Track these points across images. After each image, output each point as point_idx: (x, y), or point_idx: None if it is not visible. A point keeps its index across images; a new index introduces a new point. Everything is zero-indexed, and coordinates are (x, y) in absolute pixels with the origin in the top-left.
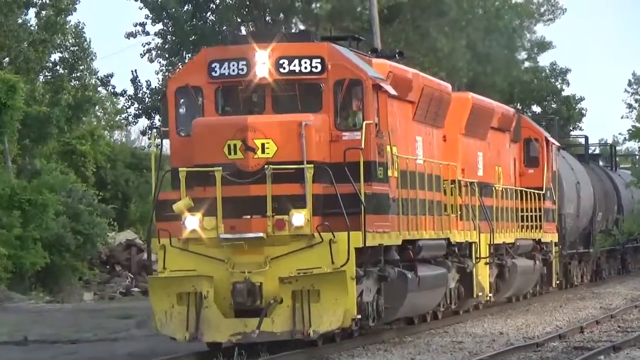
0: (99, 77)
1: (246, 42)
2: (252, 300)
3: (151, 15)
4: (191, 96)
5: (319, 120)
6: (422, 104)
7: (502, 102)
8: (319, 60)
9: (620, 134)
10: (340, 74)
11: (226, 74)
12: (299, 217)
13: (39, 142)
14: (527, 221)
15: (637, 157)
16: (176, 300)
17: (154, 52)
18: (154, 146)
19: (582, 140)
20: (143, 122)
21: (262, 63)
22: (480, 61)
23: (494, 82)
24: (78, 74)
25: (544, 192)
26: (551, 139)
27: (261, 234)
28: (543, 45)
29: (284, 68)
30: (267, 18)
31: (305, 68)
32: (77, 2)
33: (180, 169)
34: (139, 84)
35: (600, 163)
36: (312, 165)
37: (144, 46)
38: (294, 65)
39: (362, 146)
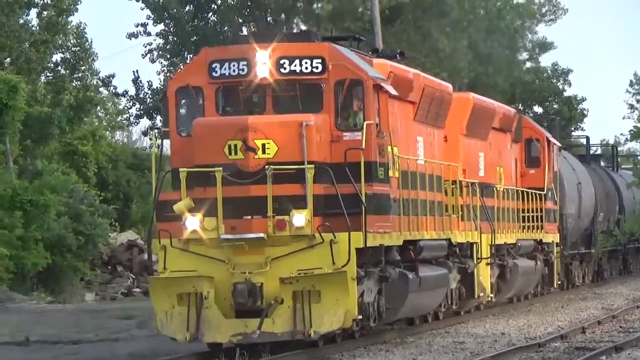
0: (101, 78)
1: (247, 42)
2: (252, 301)
3: (153, 16)
4: (192, 96)
5: (320, 120)
6: (423, 104)
7: (504, 103)
8: (319, 61)
9: (621, 134)
10: (341, 74)
11: (227, 74)
12: (299, 218)
13: (40, 142)
14: (529, 221)
15: (639, 157)
16: (177, 300)
17: (155, 53)
18: (155, 147)
19: (584, 141)
20: (144, 122)
21: (263, 63)
22: (481, 62)
23: (495, 83)
24: (79, 75)
25: (545, 192)
26: (552, 140)
27: (262, 235)
28: (544, 46)
29: (285, 68)
30: (269, 18)
31: (306, 68)
32: (79, 3)
33: (180, 169)
34: (140, 84)
35: (602, 163)
36: (312, 166)
37: (145, 47)
38: (295, 66)
39: (363, 146)
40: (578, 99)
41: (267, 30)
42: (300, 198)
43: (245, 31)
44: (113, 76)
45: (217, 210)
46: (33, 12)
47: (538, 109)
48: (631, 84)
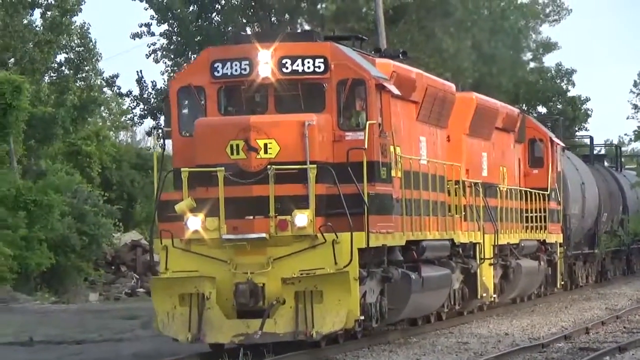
0: (105, 78)
1: (249, 42)
2: (254, 301)
3: (156, 16)
4: (194, 96)
5: (322, 120)
6: (426, 104)
7: (508, 103)
8: (322, 60)
9: (625, 134)
10: (344, 74)
11: (229, 73)
12: (301, 218)
13: (44, 142)
14: (532, 222)
15: None
16: (178, 301)
17: (159, 53)
18: (158, 147)
19: (587, 141)
20: (148, 122)
21: (265, 63)
22: (485, 62)
23: (499, 83)
24: (83, 75)
25: (548, 192)
26: (556, 140)
27: (264, 235)
28: (548, 46)
29: (287, 68)
30: (273, 19)
31: (308, 68)
32: (83, 3)
33: (182, 169)
34: (144, 84)
35: (606, 164)
36: (315, 166)
37: (149, 47)
38: (297, 65)
39: (365, 146)
40: (582, 99)
41: (271, 30)
42: (302, 198)
43: (249, 31)
44: (117, 76)
45: (219, 210)
46: (37, 12)
47: (542, 109)
48: (635, 84)
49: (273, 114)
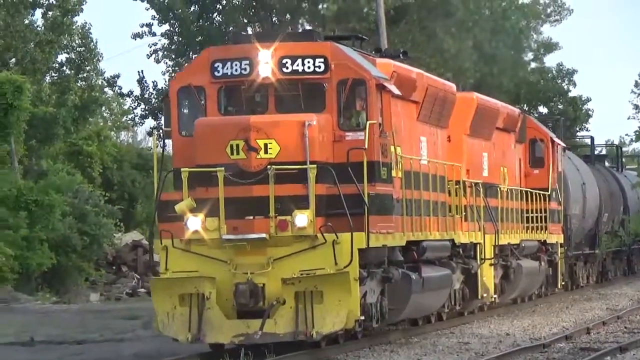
0: (106, 78)
1: (249, 42)
2: (254, 302)
3: (158, 16)
4: (194, 96)
5: (322, 120)
6: (427, 104)
7: (509, 103)
8: (322, 60)
9: (626, 134)
10: (344, 74)
11: (229, 73)
12: (301, 218)
13: (45, 142)
14: (533, 222)
15: None
16: (178, 301)
17: (160, 53)
18: (160, 146)
19: (588, 141)
20: (149, 122)
21: (265, 62)
22: (486, 62)
23: (500, 83)
24: (84, 75)
25: (549, 192)
26: (557, 140)
27: (264, 235)
28: (549, 46)
29: (287, 67)
30: (274, 19)
31: (309, 67)
32: (84, 3)
33: (182, 169)
34: (145, 84)
35: (606, 164)
36: (315, 166)
37: (150, 47)
38: (297, 65)
39: (366, 146)
40: (583, 99)
41: (272, 30)
42: (302, 198)
43: (250, 31)
44: (118, 76)
45: (219, 210)
46: (38, 12)
47: (543, 110)
48: (636, 85)
49: (273, 114)
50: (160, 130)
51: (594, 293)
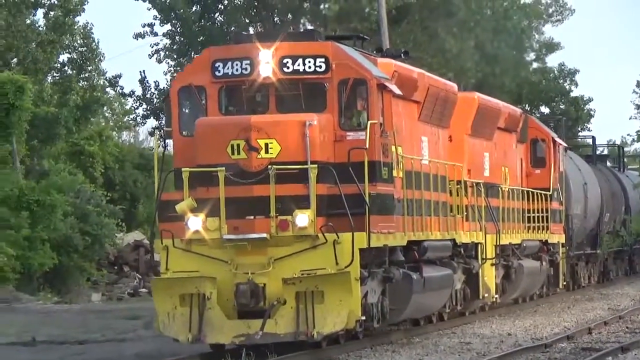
0: (107, 78)
1: (250, 42)
2: (255, 302)
3: (159, 16)
4: (194, 96)
5: (323, 120)
6: (428, 103)
7: (511, 103)
8: (323, 60)
9: (628, 134)
10: (345, 74)
11: (230, 73)
12: (302, 218)
13: (47, 142)
14: (534, 222)
15: None
16: (179, 301)
17: (162, 53)
18: (161, 146)
19: (590, 141)
20: (151, 122)
21: (266, 62)
22: (488, 62)
23: (502, 83)
24: (86, 75)
25: (550, 192)
26: (558, 140)
27: (265, 235)
28: (551, 46)
29: (288, 67)
30: (275, 19)
31: (309, 67)
32: (86, 3)
33: (183, 169)
34: (147, 84)
35: (608, 164)
36: (316, 166)
37: (152, 47)
38: (298, 65)
39: (367, 146)
40: (585, 99)
41: (274, 30)
42: (303, 198)
43: (252, 31)
44: (120, 76)
45: (220, 210)
46: (40, 12)
47: (545, 109)
48: (638, 85)
49: (274, 113)
50: (161, 130)
51: (595, 293)
